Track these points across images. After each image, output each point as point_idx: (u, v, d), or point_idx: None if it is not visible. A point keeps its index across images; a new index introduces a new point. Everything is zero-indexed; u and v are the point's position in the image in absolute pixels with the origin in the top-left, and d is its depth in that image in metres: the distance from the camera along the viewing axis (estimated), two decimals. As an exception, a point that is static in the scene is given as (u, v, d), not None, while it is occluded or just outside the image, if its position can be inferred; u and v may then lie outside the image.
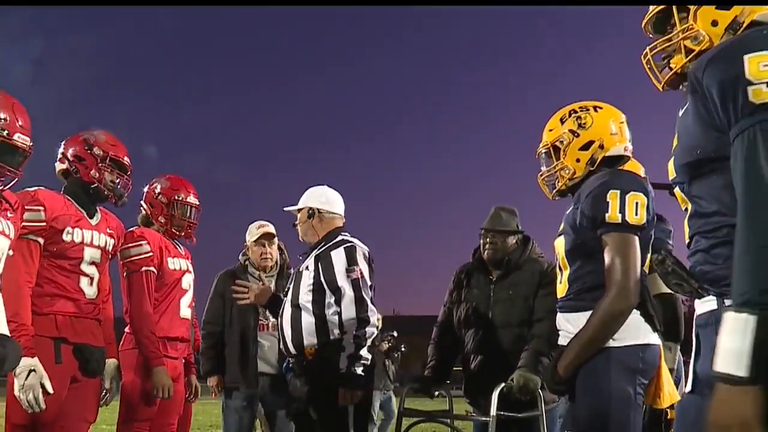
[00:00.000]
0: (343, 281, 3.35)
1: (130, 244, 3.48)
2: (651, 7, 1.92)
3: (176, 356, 3.69)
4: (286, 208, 3.73)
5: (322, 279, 3.39)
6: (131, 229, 3.59)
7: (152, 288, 3.55)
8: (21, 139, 2.65)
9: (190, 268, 3.81)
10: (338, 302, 3.35)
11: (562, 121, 2.80)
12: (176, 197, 3.76)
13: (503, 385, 3.31)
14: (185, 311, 3.75)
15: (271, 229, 4.59)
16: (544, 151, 2.88)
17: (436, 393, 3.91)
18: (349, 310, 3.33)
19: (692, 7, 1.76)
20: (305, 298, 3.42)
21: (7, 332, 2.62)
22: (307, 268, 3.48)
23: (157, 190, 3.79)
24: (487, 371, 3.61)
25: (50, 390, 2.75)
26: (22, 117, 2.68)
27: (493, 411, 3.23)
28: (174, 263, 3.68)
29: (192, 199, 3.82)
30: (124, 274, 3.53)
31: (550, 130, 2.85)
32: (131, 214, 3.78)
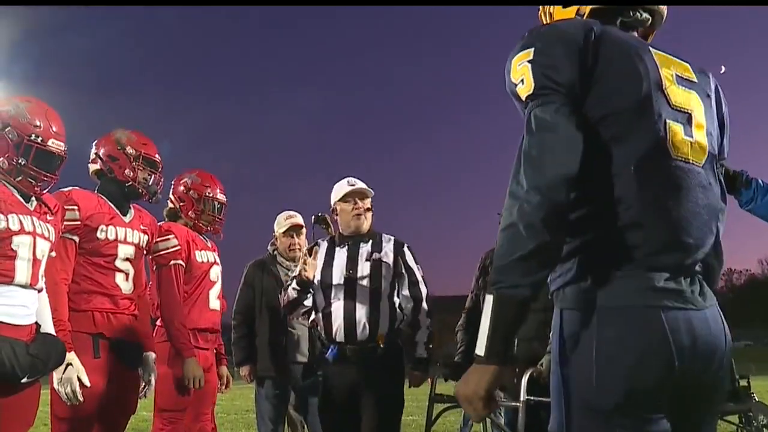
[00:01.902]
0: (419, 275, 3.63)
1: (158, 239, 3.56)
2: None
3: (207, 347, 3.77)
4: (363, 186, 3.66)
5: (403, 270, 3.60)
6: (159, 224, 3.66)
7: (181, 281, 3.63)
8: (55, 144, 2.76)
9: (218, 261, 3.88)
10: (417, 294, 3.61)
11: None
12: (207, 193, 3.84)
13: (532, 370, 3.35)
14: (214, 303, 3.83)
15: (299, 220, 4.63)
16: None
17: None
18: (426, 302, 3.62)
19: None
20: (385, 286, 3.54)
21: (53, 331, 2.73)
22: (385, 256, 3.59)
23: (188, 185, 3.86)
24: (514, 357, 3.65)
25: (87, 383, 2.85)
26: (56, 123, 2.79)
27: (523, 396, 3.28)
28: (201, 256, 3.76)
29: (220, 196, 3.90)
30: (154, 268, 3.62)
31: None
32: (156, 208, 3.84)
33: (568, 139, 1.41)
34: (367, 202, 3.62)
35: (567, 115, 1.43)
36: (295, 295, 3.52)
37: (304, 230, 4.61)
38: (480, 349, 1.39)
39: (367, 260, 3.55)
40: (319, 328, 3.58)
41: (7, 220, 2.55)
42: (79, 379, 2.83)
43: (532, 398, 3.33)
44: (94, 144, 3.36)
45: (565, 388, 1.45)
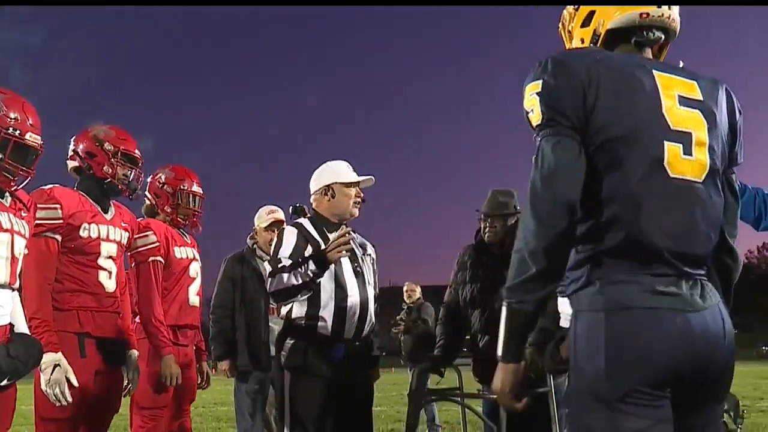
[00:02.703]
0: None
1: (136, 236, 3.52)
2: None
3: (186, 343, 3.76)
4: (367, 179, 3.44)
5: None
6: (138, 220, 3.62)
7: (160, 277, 3.60)
8: (32, 138, 2.67)
9: (197, 257, 3.86)
10: (377, 293, 3.50)
11: None
12: (181, 187, 3.81)
13: (513, 363, 3.40)
14: (194, 299, 3.81)
15: (281, 215, 4.62)
16: None
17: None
18: None
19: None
20: (376, 282, 3.48)
21: (27, 331, 2.68)
22: (373, 251, 3.54)
23: (162, 180, 3.83)
24: (495, 350, 3.69)
25: (75, 383, 2.82)
26: (33, 116, 2.70)
27: (504, 389, 3.33)
28: (180, 252, 3.73)
29: (196, 188, 3.87)
30: (132, 264, 3.59)
31: None
32: (135, 204, 3.78)
33: (567, 172, 1.61)
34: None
35: (567, 147, 1.62)
36: (308, 279, 3.10)
37: (284, 225, 4.60)
38: (499, 351, 1.67)
39: (363, 255, 3.44)
40: (321, 321, 3.20)
41: None
42: (68, 380, 2.80)
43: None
44: (72, 140, 3.29)
45: (577, 381, 1.66)
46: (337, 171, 3.43)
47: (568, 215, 1.59)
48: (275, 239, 3.41)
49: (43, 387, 2.78)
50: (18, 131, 2.62)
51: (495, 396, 3.28)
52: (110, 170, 3.20)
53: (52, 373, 2.76)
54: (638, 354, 1.56)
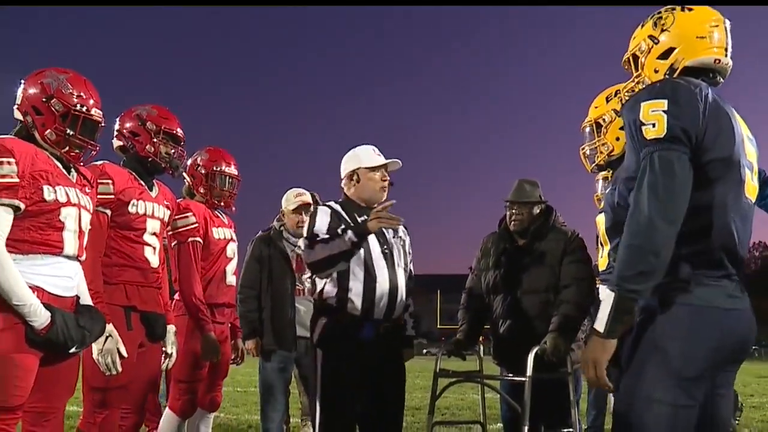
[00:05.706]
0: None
1: (176, 216, 3.63)
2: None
3: (223, 321, 3.90)
4: (392, 162, 3.46)
5: (409, 249, 3.61)
6: (177, 200, 3.71)
7: (199, 257, 3.71)
8: (97, 113, 2.79)
9: (234, 237, 3.98)
10: (411, 275, 3.57)
11: (607, 100, 3.02)
12: (215, 168, 3.91)
13: (537, 348, 3.52)
14: (230, 278, 3.94)
15: (308, 198, 4.71)
16: (587, 126, 3.09)
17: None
18: None
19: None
20: (406, 263, 3.52)
21: (91, 303, 2.79)
22: (404, 232, 3.57)
23: (198, 162, 3.94)
24: (515, 335, 3.83)
25: (125, 354, 2.93)
26: (94, 92, 2.81)
27: (529, 372, 3.45)
28: (218, 233, 3.85)
29: (231, 170, 3.97)
30: (173, 244, 3.70)
31: (595, 107, 3.07)
32: (175, 185, 3.88)
33: (685, 184, 1.89)
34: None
35: (685, 162, 1.91)
36: (346, 248, 3.12)
37: (311, 208, 4.68)
38: (600, 328, 1.95)
39: (393, 237, 3.46)
40: (350, 302, 3.27)
41: (56, 192, 2.58)
42: (118, 350, 2.91)
43: (536, 374, 3.51)
44: (117, 120, 3.38)
45: (654, 356, 1.96)
46: (360, 156, 3.47)
47: (681, 219, 1.88)
48: (308, 219, 3.46)
49: (95, 356, 2.88)
50: (85, 108, 2.73)
51: (522, 379, 3.46)
52: (152, 149, 3.27)
53: (104, 343, 2.87)
54: (716, 344, 1.93)
